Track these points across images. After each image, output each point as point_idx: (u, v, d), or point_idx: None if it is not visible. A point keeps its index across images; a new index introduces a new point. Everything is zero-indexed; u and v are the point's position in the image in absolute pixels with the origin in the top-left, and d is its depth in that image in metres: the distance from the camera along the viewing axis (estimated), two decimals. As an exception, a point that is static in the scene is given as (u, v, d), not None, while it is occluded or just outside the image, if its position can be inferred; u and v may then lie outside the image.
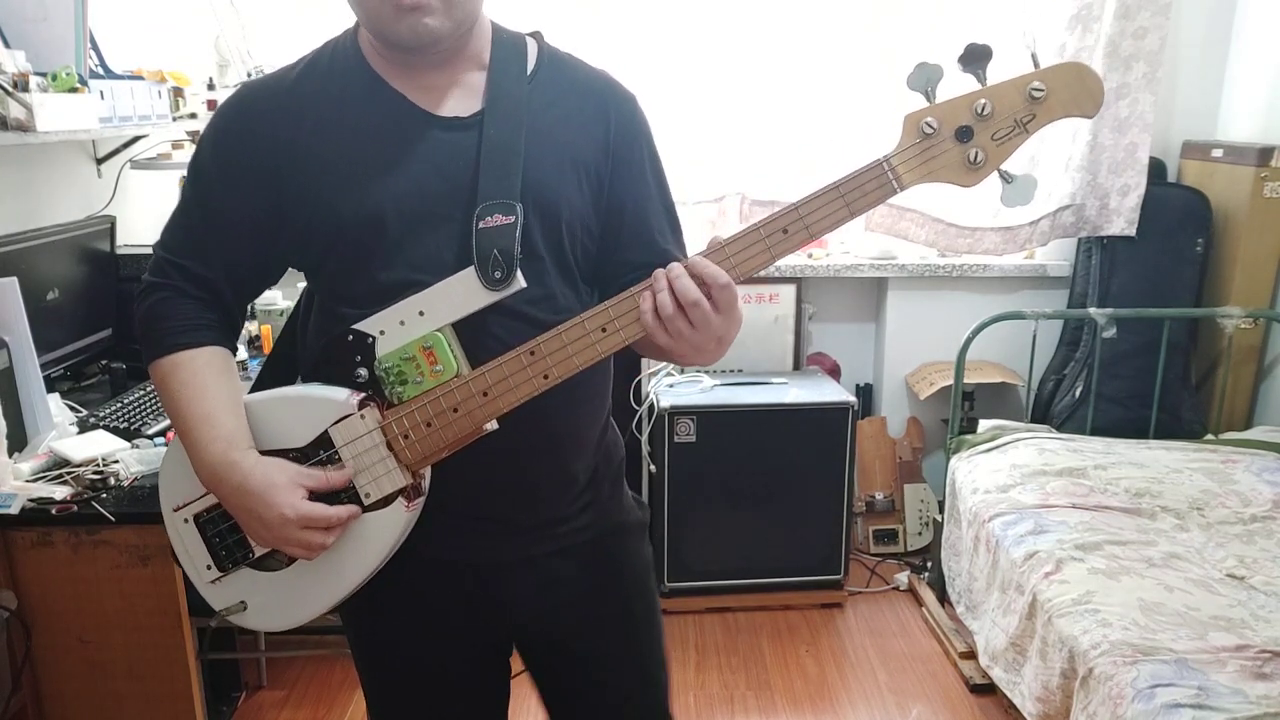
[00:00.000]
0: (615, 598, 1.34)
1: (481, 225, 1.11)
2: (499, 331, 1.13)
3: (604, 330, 1.10)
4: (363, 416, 1.14)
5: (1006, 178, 1.10)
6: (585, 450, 1.26)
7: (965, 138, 1.08)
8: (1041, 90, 1.06)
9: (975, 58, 1.06)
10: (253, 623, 1.24)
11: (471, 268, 1.10)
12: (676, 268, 1.06)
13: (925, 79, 1.07)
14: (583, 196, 1.19)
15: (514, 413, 1.12)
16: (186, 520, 1.22)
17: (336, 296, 1.18)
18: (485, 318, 1.12)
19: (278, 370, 1.30)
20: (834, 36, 3.05)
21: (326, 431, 1.14)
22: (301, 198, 1.15)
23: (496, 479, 1.20)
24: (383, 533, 1.16)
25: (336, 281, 1.18)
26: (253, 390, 1.24)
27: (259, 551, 1.19)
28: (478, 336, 1.13)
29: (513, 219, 1.11)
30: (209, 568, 1.22)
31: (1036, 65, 1.07)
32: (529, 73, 1.20)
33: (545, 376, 1.10)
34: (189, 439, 1.16)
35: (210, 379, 1.17)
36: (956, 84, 1.08)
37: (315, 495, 1.14)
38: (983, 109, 1.07)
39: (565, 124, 1.19)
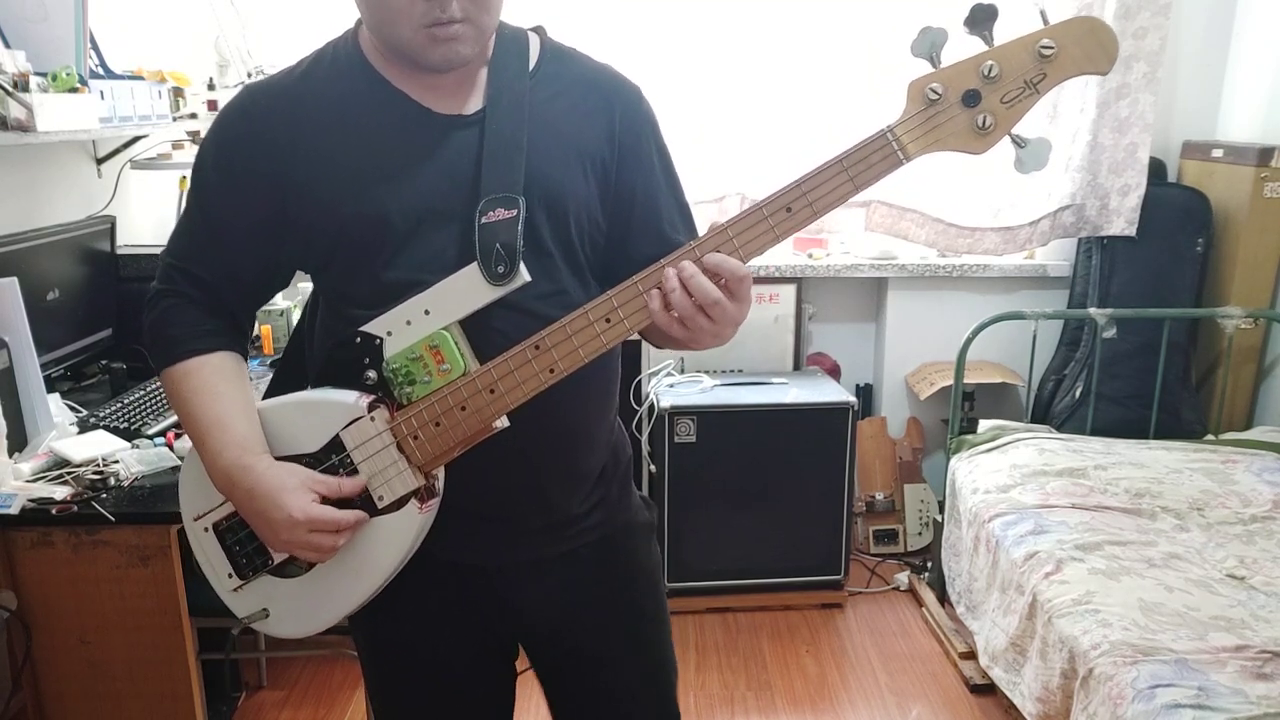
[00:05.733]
0: (624, 597, 1.34)
1: (484, 220, 1.10)
2: (508, 328, 1.12)
3: (608, 321, 1.08)
4: (373, 418, 1.13)
5: (1019, 142, 1.05)
6: (595, 447, 1.26)
7: (972, 102, 1.03)
8: (1051, 48, 1.01)
9: (981, 19, 1.02)
10: (275, 630, 1.23)
11: (475, 264, 1.10)
12: (689, 267, 1.05)
13: (929, 44, 1.03)
14: (589, 189, 1.19)
15: (525, 410, 1.12)
16: (206, 529, 1.22)
17: (342, 298, 1.18)
18: (493, 314, 1.12)
19: (288, 375, 1.30)
20: (835, 35, 3.06)
21: (338, 435, 1.14)
22: (305, 200, 1.14)
23: (507, 478, 1.19)
24: (398, 536, 1.15)
25: (342, 283, 1.18)
26: (265, 397, 1.24)
27: (278, 558, 1.19)
28: (486, 334, 1.12)
29: (515, 213, 1.10)
30: (230, 576, 1.21)
31: (1046, 22, 1.02)
32: (531, 68, 1.19)
33: (551, 370, 1.09)
34: (202, 445, 1.16)
35: (222, 385, 1.17)
36: (964, 49, 1.04)
37: (327, 501, 1.13)
38: (990, 71, 1.02)
39: (569, 117, 1.19)
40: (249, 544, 1.19)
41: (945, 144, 1.05)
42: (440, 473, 1.16)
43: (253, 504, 1.13)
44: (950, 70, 1.03)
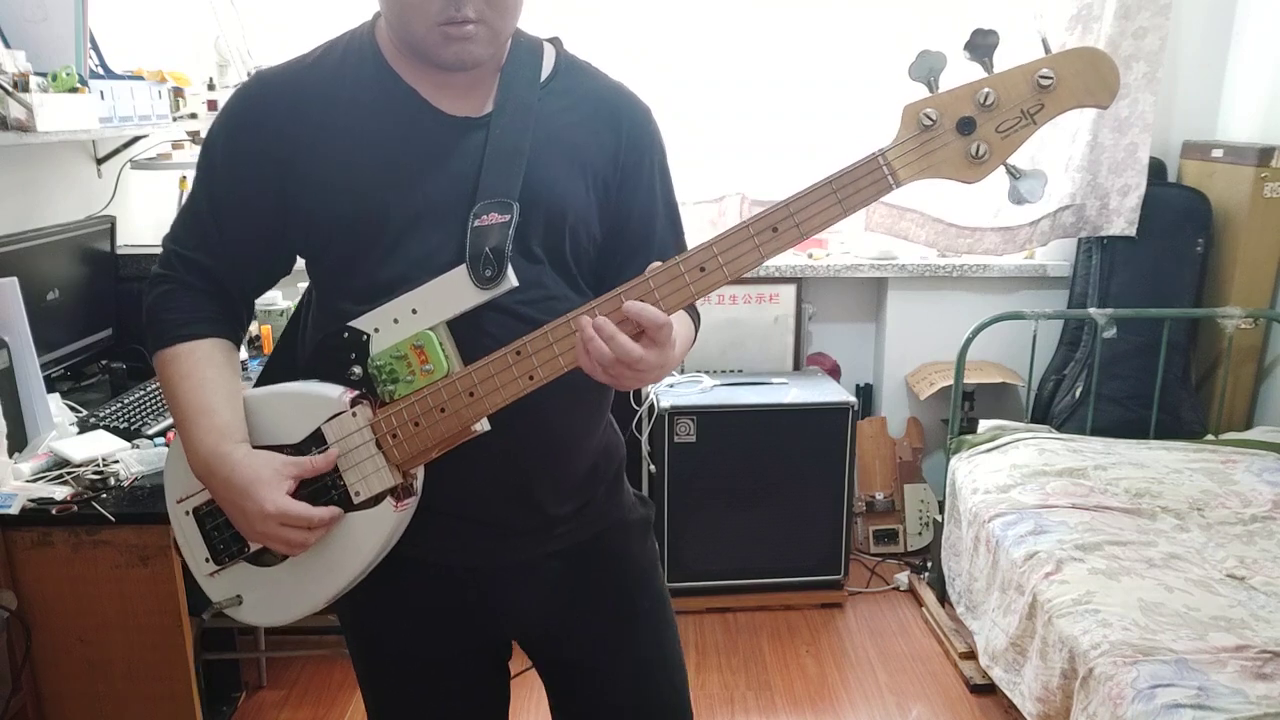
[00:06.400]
0: (616, 596, 1.33)
1: (476, 223, 1.11)
2: (495, 331, 1.12)
3: None
4: (354, 414, 1.14)
5: (1014, 173, 1.03)
6: (583, 452, 1.26)
7: (967, 130, 1.01)
8: (1050, 78, 0.99)
9: (981, 45, 0.99)
10: (247, 617, 1.24)
11: (463, 266, 1.10)
12: (608, 326, 1.02)
13: (927, 68, 1.01)
14: (588, 201, 1.19)
15: (511, 414, 1.12)
16: (187, 513, 1.23)
17: (335, 291, 1.18)
18: (481, 317, 1.12)
19: (281, 366, 1.30)
20: (836, 35, 3.06)
21: (319, 428, 1.15)
22: (306, 189, 1.15)
23: (493, 481, 1.19)
24: (372, 532, 1.15)
25: (336, 276, 1.18)
26: (255, 386, 1.24)
27: (254, 546, 1.20)
28: (474, 336, 1.12)
29: (508, 218, 1.11)
30: (207, 560, 1.23)
31: (1047, 51, 1.01)
32: (544, 78, 1.20)
33: (531, 377, 1.09)
34: (184, 431, 1.17)
35: (209, 372, 1.18)
36: (963, 75, 1.02)
37: (303, 486, 1.14)
38: (986, 99, 1.00)
39: (576, 129, 1.19)
40: (226, 530, 1.20)
41: (937, 171, 1.03)
42: (419, 472, 1.16)
43: (228, 493, 1.13)
44: (946, 96, 1.02)
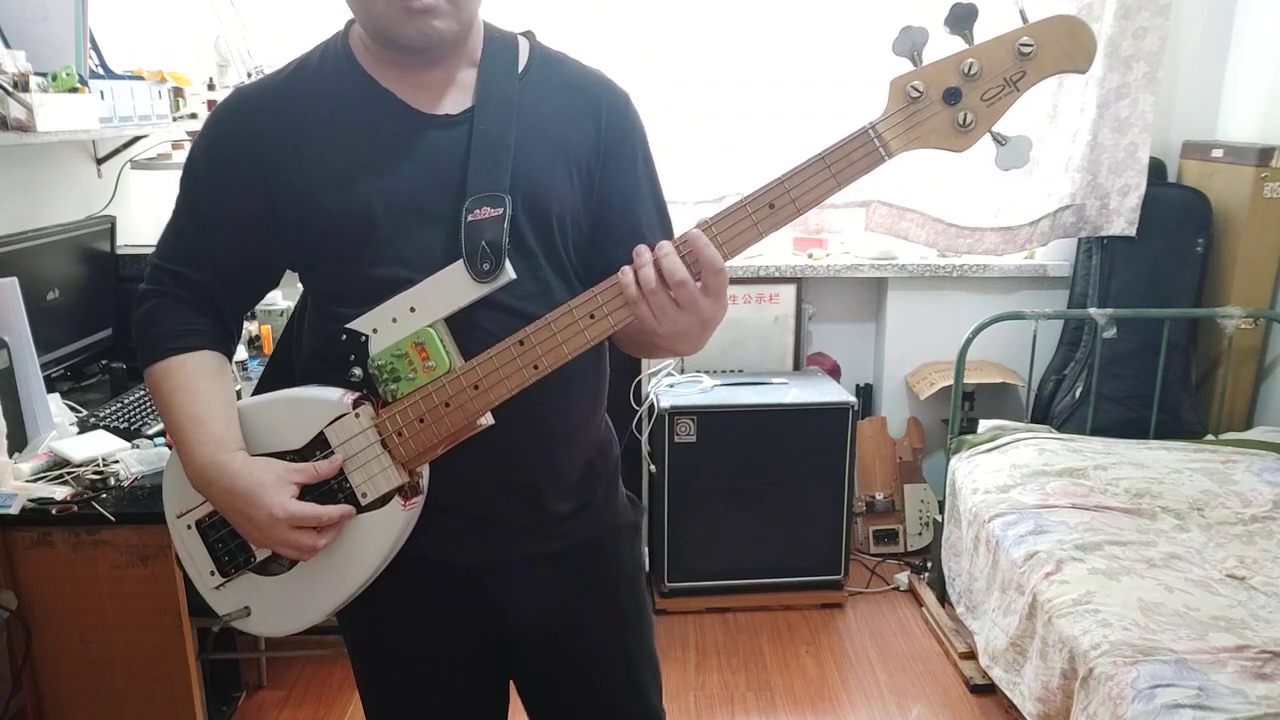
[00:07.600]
0: (605, 599, 1.34)
1: (470, 218, 1.11)
2: (493, 327, 1.12)
3: (592, 316, 1.09)
4: (357, 415, 1.13)
5: (1000, 139, 1.06)
6: (578, 446, 1.26)
7: (953, 99, 1.04)
8: (1030, 46, 1.02)
9: (961, 18, 1.03)
10: (257, 628, 1.23)
11: (460, 261, 1.10)
12: (666, 245, 1.06)
13: (910, 43, 1.04)
14: (573, 191, 1.19)
15: (511, 411, 1.12)
16: (189, 527, 1.22)
17: (330, 296, 1.18)
18: (479, 313, 1.12)
19: (278, 373, 1.30)
20: (835, 35, 3.06)
21: (322, 432, 1.14)
22: (291, 198, 1.15)
23: (490, 475, 1.19)
24: (381, 533, 1.15)
25: (329, 280, 1.18)
26: (254, 394, 1.24)
27: (260, 556, 1.19)
28: (471, 331, 1.13)
29: (501, 211, 1.11)
30: (212, 573, 1.22)
31: (1025, 21, 1.04)
32: (520, 70, 1.20)
33: (535, 367, 1.09)
34: (180, 443, 1.16)
35: (201, 383, 1.18)
36: (946, 49, 1.05)
37: (309, 492, 1.14)
38: (970, 69, 1.03)
39: (556, 120, 1.19)
40: (231, 541, 1.20)
41: (926, 141, 1.06)
42: (425, 470, 1.16)
43: (232, 502, 1.13)
44: (931, 68, 1.05)
